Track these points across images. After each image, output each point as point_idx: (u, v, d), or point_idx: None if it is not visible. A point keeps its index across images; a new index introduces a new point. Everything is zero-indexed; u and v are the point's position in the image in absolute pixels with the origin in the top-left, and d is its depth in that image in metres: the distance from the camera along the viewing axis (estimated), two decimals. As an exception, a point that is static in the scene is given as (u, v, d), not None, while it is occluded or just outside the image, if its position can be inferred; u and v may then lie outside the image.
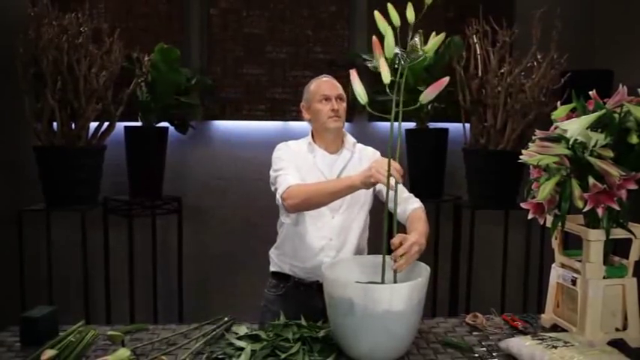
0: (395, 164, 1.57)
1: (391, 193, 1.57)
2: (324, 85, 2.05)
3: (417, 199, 2.04)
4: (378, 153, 2.14)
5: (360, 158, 2.09)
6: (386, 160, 1.58)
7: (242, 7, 3.50)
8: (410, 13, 1.47)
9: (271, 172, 2.02)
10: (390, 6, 1.48)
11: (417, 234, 1.65)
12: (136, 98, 3.15)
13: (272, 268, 2.12)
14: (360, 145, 2.16)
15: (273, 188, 1.99)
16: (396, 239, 1.57)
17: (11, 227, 3.03)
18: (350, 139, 2.14)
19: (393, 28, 1.47)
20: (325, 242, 1.99)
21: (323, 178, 2.00)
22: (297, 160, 2.02)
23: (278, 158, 2.03)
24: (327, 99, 2.02)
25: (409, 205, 1.98)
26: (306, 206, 1.89)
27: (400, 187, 1.87)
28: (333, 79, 2.11)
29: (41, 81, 2.90)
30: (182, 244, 3.38)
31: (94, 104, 2.97)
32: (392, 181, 1.56)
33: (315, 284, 1.98)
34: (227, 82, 3.52)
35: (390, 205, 1.63)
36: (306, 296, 2.00)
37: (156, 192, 3.27)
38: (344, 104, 2.05)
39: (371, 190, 2.01)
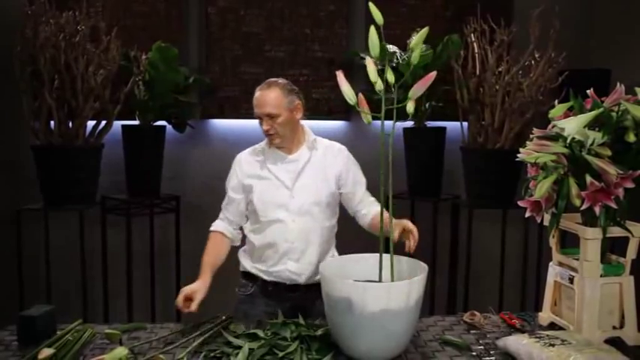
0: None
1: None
2: (255, 101, 1.96)
3: (378, 203, 2.06)
4: (344, 148, 2.11)
5: (325, 154, 2.05)
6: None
7: (240, 6, 3.50)
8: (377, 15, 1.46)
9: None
10: (371, 5, 1.47)
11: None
12: (133, 97, 3.15)
13: (241, 268, 2.12)
14: (324, 141, 2.11)
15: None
16: (397, 234, 1.74)
17: (9, 226, 3.02)
18: (309, 136, 2.08)
19: (377, 26, 1.46)
20: (288, 246, 1.98)
21: (281, 186, 1.99)
22: (248, 175, 2.02)
23: (229, 177, 2.08)
24: (259, 118, 1.96)
25: (372, 207, 2.06)
26: None
27: (365, 192, 2.07)
28: (266, 89, 1.96)
29: (39, 80, 2.89)
30: (180, 242, 3.37)
31: (92, 103, 2.97)
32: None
33: (283, 285, 2.00)
34: (225, 80, 3.52)
35: (355, 207, 1.97)
36: (274, 296, 2.01)
37: (154, 191, 3.26)
38: (279, 119, 1.94)
39: (333, 189, 2.02)
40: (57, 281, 3.08)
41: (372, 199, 2.10)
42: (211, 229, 2.07)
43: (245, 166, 2.05)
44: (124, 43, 3.09)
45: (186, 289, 1.80)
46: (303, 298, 1.99)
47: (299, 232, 1.98)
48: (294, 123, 2.00)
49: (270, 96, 1.94)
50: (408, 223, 1.80)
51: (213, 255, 2.00)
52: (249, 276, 2.07)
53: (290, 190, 1.98)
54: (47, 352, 1.44)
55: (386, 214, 1.68)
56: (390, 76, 1.50)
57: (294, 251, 1.98)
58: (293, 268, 1.99)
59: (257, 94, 1.97)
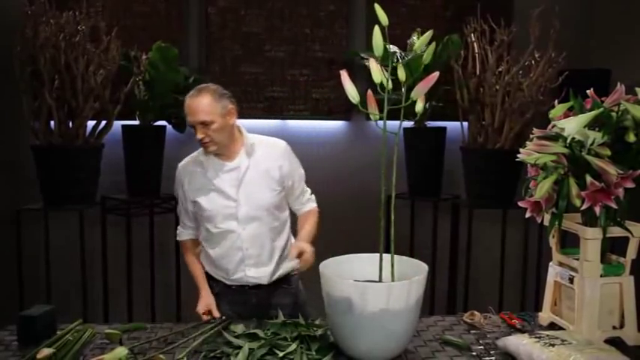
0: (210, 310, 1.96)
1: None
2: (187, 109, 1.89)
3: (314, 202, 2.17)
4: (283, 144, 2.06)
5: (264, 156, 2.00)
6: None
7: (240, 6, 3.50)
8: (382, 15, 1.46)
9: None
10: (377, 6, 1.48)
11: (305, 240, 1.95)
12: (133, 97, 3.15)
13: (204, 269, 2.12)
14: (262, 141, 2.04)
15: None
16: (294, 250, 1.84)
17: (9, 226, 3.02)
18: (247, 140, 2.01)
19: (382, 27, 1.47)
20: (242, 253, 1.99)
21: (226, 197, 1.96)
22: (193, 188, 2.00)
23: (175, 187, 2.12)
24: (193, 126, 1.91)
25: (304, 207, 2.13)
26: None
27: (304, 189, 2.12)
28: (198, 96, 1.89)
29: (39, 80, 2.89)
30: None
31: (92, 103, 2.97)
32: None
33: (247, 286, 2.03)
34: (225, 80, 3.51)
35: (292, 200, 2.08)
36: (237, 295, 2.04)
37: (154, 191, 3.26)
38: (213, 125, 1.88)
39: (278, 189, 2.01)
40: (57, 281, 3.08)
41: (308, 197, 2.14)
42: (178, 239, 2.15)
43: (187, 178, 2.03)
44: (124, 43, 3.09)
45: (202, 309, 1.95)
46: (267, 294, 2.04)
47: (251, 239, 1.97)
48: (229, 128, 1.94)
49: (203, 102, 1.87)
50: (305, 246, 1.87)
51: (197, 264, 2.10)
52: (211, 277, 2.09)
53: (235, 201, 1.95)
54: (46, 351, 1.44)
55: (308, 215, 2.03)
56: (402, 74, 1.49)
57: (249, 257, 1.99)
58: (252, 273, 2.00)
59: (188, 101, 1.89)
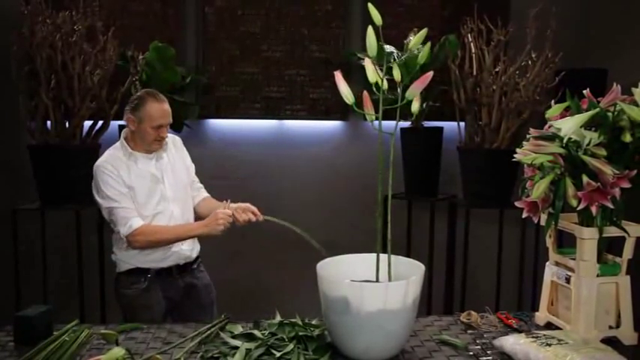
0: (226, 211, 2.07)
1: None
2: (159, 113, 2.15)
3: (205, 192, 2.44)
4: (177, 139, 2.38)
5: (174, 148, 2.31)
6: (225, 212, 2.06)
7: (237, 6, 3.50)
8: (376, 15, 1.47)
9: (98, 199, 2.14)
10: (370, 6, 1.48)
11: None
12: (130, 97, 3.13)
13: (125, 268, 2.21)
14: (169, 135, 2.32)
15: (106, 217, 2.18)
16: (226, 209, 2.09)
17: (6, 226, 3.01)
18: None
19: (376, 27, 1.47)
20: None
21: (157, 181, 2.19)
22: (124, 177, 2.12)
23: (104, 183, 2.11)
24: (160, 127, 2.15)
25: (200, 194, 2.40)
26: (153, 247, 2.15)
27: (195, 179, 2.42)
28: (164, 101, 2.20)
29: (35, 79, 2.88)
30: (177, 242, 3.37)
31: (89, 103, 2.97)
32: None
33: (175, 267, 2.23)
34: (222, 80, 3.52)
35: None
36: (167, 283, 2.22)
37: (151, 191, 3.25)
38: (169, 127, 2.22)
39: (188, 173, 2.35)
40: (53, 281, 3.07)
41: (199, 185, 2.43)
42: (136, 227, 2.10)
43: (117, 166, 2.13)
44: (120, 43, 3.09)
45: (224, 215, 2.07)
46: (191, 277, 2.29)
47: (180, 216, 2.23)
48: None
49: (168, 106, 2.20)
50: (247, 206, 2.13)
51: (171, 227, 2.19)
52: (138, 271, 2.19)
53: (163, 183, 2.21)
54: None
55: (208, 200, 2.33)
56: (397, 73, 1.49)
57: None
58: (185, 247, 2.23)
59: (158, 105, 2.16)
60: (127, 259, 2.20)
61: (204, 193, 2.41)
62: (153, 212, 2.17)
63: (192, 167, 2.41)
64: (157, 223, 2.17)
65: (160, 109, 2.16)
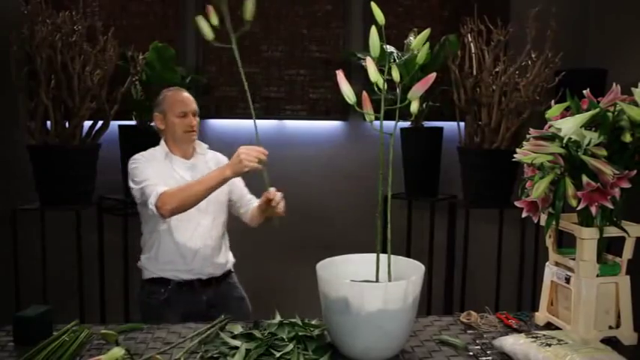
0: (259, 148, 1.81)
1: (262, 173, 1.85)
2: (181, 100, 2.14)
3: (256, 201, 2.23)
4: (225, 158, 2.25)
5: (215, 162, 2.23)
6: (250, 146, 1.83)
7: (237, 6, 3.48)
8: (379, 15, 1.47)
9: (133, 185, 2.08)
10: (373, 4, 1.48)
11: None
12: (130, 97, 3.14)
13: (148, 276, 2.17)
14: (208, 148, 2.30)
15: (139, 201, 2.09)
16: (270, 193, 1.93)
17: (5, 226, 3.01)
18: (202, 144, 2.28)
19: (378, 27, 1.47)
20: (200, 243, 2.12)
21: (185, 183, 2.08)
22: (157, 169, 2.08)
23: (136, 169, 2.08)
24: (185, 115, 2.13)
25: (251, 205, 2.24)
26: (183, 208, 1.97)
27: (245, 190, 2.28)
28: (184, 92, 2.18)
29: (35, 79, 2.88)
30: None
31: (88, 103, 2.96)
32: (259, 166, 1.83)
33: (198, 282, 2.14)
34: (222, 80, 3.51)
35: (238, 208, 2.23)
36: (189, 295, 2.14)
37: (151, 191, 3.26)
38: (198, 118, 2.19)
39: (226, 189, 2.16)
40: (53, 281, 3.07)
41: (250, 196, 2.29)
42: (161, 191, 1.96)
43: (150, 159, 2.12)
44: (120, 43, 3.09)
45: (249, 153, 1.85)
46: (216, 292, 2.18)
47: (208, 230, 2.15)
48: None
49: (189, 95, 2.17)
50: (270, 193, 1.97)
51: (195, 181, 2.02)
52: (160, 281, 2.13)
53: None
54: None
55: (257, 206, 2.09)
56: (396, 75, 1.49)
57: (208, 247, 2.13)
58: (209, 263, 2.15)
59: (179, 94, 2.15)
60: (149, 267, 2.17)
61: (255, 204, 2.23)
62: (178, 217, 2.06)
63: (238, 183, 2.26)
64: (182, 232, 2.11)
65: (178, 96, 2.14)
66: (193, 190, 1.92)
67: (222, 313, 1.76)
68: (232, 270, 2.29)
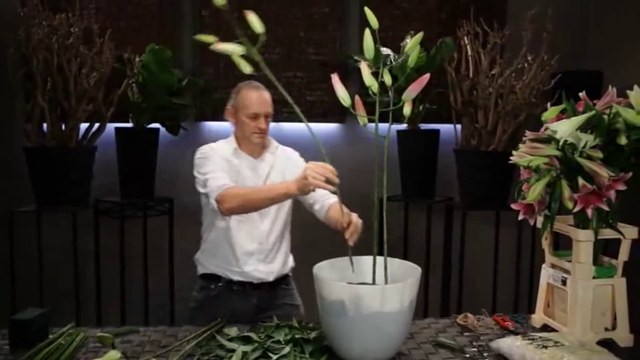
0: (328, 166, 1.65)
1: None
2: (254, 100, 2.03)
3: (334, 196, 2.00)
4: (296, 153, 2.19)
5: (284, 160, 2.13)
6: (319, 163, 1.67)
7: (234, 8, 3.48)
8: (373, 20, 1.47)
9: (197, 175, 2.01)
10: (367, 10, 1.49)
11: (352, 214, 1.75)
12: (127, 99, 3.14)
13: (201, 271, 2.12)
14: (280, 146, 2.19)
15: (202, 191, 1.99)
16: (345, 217, 1.70)
17: (2, 228, 3.00)
18: (273, 142, 2.17)
19: (372, 30, 1.47)
20: (256, 246, 2.04)
21: (249, 183, 2.03)
22: (223, 164, 2.01)
23: (204, 159, 2.01)
24: (256, 116, 2.02)
25: (327, 201, 2.02)
26: (242, 210, 1.92)
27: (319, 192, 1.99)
28: (263, 90, 2.06)
29: (31, 82, 2.88)
30: (173, 245, 3.36)
31: (85, 105, 2.96)
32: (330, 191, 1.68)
33: (249, 284, 2.04)
34: (219, 83, 3.51)
35: (311, 203, 2.00)
36: (238, 295, 2.05)
37: (147, 193, 3.25)
38: (270, 119, 2.07)
39: None
40: (49, 284, 3.06)
41: (324, 191, 1.99)
42: (225, 187, 1.89)
43: (219, 151, 2.06)
44: (117, 45, 3.08)
45: (315, 171, 1.68)
46: (268, 295, 2.08)
47: (267, 232, 2.05)
48: None
49: (268, 96, 2.05)
50: (354, 216, 1.76)
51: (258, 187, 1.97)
52: (211, 277, 2.08)
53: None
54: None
55: (338, 205, 1.77)
56: (387, 78, 1.50)
57: (261, 251, 2.04)
58: (261, 267, 2.04)
59: (254, 93, 2.04)
60: (202, 261, 2.11)
61: (331, 200, 2.01)
62: (235, 218, 2.01)
63: None
64: (238, 231, 2.03)
65: (254, 96, 2.03)
66: (255, 197, 1.87)
67: (271, 319, 1.72)
68: (290, 274, 2.18)
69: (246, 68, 1.33)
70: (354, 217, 1.72)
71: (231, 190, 1.88)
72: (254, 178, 2.05)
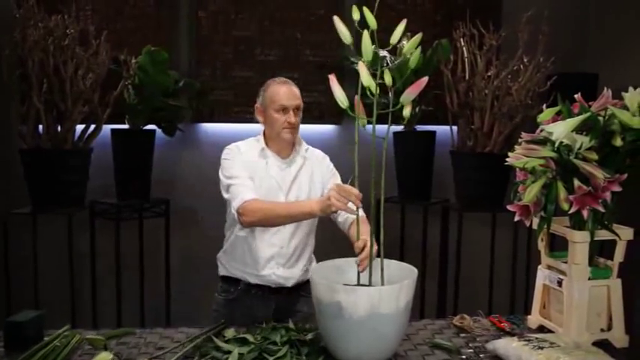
0: (354, 190, 1.61)
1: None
2: (282, 94, 1.99)
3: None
4: (327, 158, 2.15)
5: (312, 162, 2.09)
6: (344, 186, 1.63)
7: (231, 9, 3.50)
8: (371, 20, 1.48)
9: (222, 177, 1.98)
10: (365, 9, 1.49)
11: (367, 237, 1.65)
12: (123, 101, 3.13)
13: (221, 273, 2.09)
14: (310, 148, 2.14)
15: (225, 196, 1.96)
16: (360, 242, 1.63)
17: (-4, 230, 3.00)
18: (303, 143, 2.12)
19: (370, 31, 1.48)
20: (276, 250, 1.99)
21: (275, 185, 1.99)
22: (249, 166, 1.98)
23: (230, 161, 1.98)
24: (285, 110, 1.98)
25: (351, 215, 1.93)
26: (262, 225, 1.91)
27: None
28: (291, 84, 2.03)
29: (27, 83, 2.87)
30: (169, 246, 3.36)
31: (81, 106, 2.95)
32: (352, 206, 1.62)
33: (267, 288, 2.00)
34: (216, 84, 3.51)
35: (335, 215, 1.95)
36: (257, 299, 2.01)
37: (143, 195, 3.25)
38: (300, 113, 2.02)
39: (319, 195, 2.02)
40: (45, 286, 3.05)
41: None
42: (247, 199, 1.85)
43: (245, 152, 2.01)
44: (113, 47, 3.07)
45: (338, 194, 1.64)
46: (287, 301, 2.03)
47: (289, 237, 1.99)
48: None
49: (296, 89, 2.02)
50: (367, 242, 1.65)
51: (279, 203, 1.94)
52: (230, 280, 2.05)
53: (285, 194, 1.99)
54: None
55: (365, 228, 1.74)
56: (388, 79, 1.50)
57: (281, 256, 2.00)
58: (280, 273, 2.00)
59: (283, 87, 2.00)
60: (224, 262, 2.07)
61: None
62: None
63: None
64: (259, 235, 1.98)
65: (281, 89, 1.99)
66: (276, 214, 1.85)
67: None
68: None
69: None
70: (368, 244, 1.61)
71: (254, 204, 1.84)
72: (281, 181, 2.00)
